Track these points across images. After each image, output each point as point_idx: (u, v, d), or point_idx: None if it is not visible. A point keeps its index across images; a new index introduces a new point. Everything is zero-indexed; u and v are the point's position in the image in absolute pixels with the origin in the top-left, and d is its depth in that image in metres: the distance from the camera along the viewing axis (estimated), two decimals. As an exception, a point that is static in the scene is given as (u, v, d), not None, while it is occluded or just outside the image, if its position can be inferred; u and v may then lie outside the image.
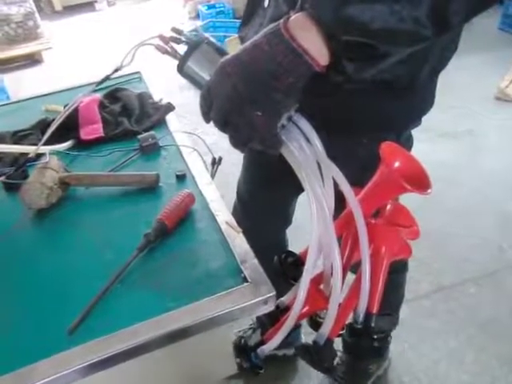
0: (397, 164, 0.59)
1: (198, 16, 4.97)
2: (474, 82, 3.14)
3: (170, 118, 1.16)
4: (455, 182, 2.24)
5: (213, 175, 1.02)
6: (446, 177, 2.26)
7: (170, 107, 1.17)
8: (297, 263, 0.68)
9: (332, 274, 0.59)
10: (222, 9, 4.64)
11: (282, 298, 0.70)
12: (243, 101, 0.53)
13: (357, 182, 0.63)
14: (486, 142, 2.58)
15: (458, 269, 1.83)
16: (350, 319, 0.65)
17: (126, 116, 1.16)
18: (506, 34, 3.83)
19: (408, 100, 0.84)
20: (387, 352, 1.48)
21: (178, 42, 0.63)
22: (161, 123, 1.13)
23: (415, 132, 0.95)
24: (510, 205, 2.12)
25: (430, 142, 2.54)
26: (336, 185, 0.60)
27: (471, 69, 3.23)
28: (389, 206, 0.67)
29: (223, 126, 0.57)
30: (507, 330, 1.59)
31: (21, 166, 0.96)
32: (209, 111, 0.58)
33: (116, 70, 0.74)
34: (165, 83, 3.47)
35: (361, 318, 0.61)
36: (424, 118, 0.92)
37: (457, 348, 1.56)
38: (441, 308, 1.69)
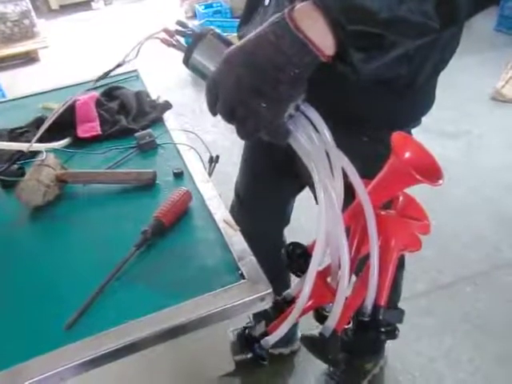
0: (407, 154, 0.58)
1: (194, 15, 4.97)
2: (470, 83, 3.15)
3: (168, 116, 1.16)
4: (452, 182, 2.25)
5: (210, 173, 1.02)
6: (443, 176, 2.26)
7: (167, 105, 1.17)
8: (304, 255, 0.68)
9: (340, 266, 0.59)
10: (219, 8, 4.64)
11: (288, 290, 0.70)
12: (248, 92, 0.53)
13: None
14: (482, 142, 2.59)
15: (455, 267, 1.84)
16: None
17: (124, 114, 1.16)
18: (502, 34, 3.85)
19: (409, 99, 0.84)
20: (383, 350, 1.48)
21: (183, 34, 0.63)
22: (158, 121, 1.13)
23: (413, 132, 0.95)
24: (506, 204, 2.13)
25: (426, 141, 2.52)
26: (344, 176, 0.59)
27: (468, 69, 3.24)
28: (401, 198, 0.66)
29: (230, 117, 0.56)
30: (503, 329, 1.60)
31: (13, 162, 0.95)
32: (215, 103, 0.57)
33: (118, 66, 0.73)
34: (164, 80, 3.48)
35: (368, 310, 0.61)
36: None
37: (453, 346, 1.56)
38: (437, 306, 1.70)
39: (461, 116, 2.82)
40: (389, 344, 1.46)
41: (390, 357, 1.53)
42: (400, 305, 1.36)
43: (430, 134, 2.60)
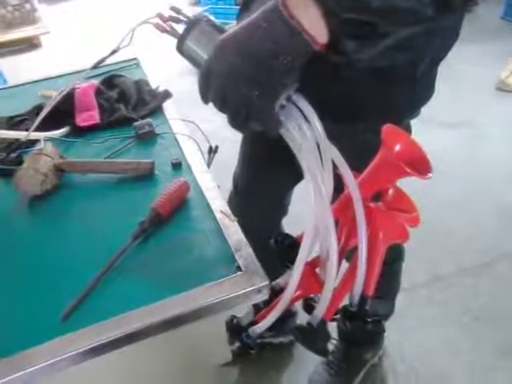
0: (397, 147, 0.59)
1: (198, 2, 4.92)
2: (474, 72, 3.11)
3: (167, 105, 1.15)
4: (454, 172, 2.23)
5: (209, 164, 1.01)
6: (445, 167, 2.25)
7: (167, 94, 1.16)
8: (293, 246, 0.68)
9: (328, 256, 0.59)
10: (222, -5, 4.58)
11: (277, 280, 0.70)
12: (240, 80, 0.52)
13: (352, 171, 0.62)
14: (486, 133, 2.56)
15: (455, 258, 1.83)
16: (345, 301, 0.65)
17: (123, 103, 1.15)
18: (508, 23, 3.79)
19: (408, 89, 0.83)
20: (382, 340, 1.49)
21: (177, 21, 0.62)
22: (158, 110, 1.13)
23: (414, 122, 0.94)
24: (508, 195, 2.12)
25: (429, 131, 2.51)
26: (334, 168, 0.59)
27: (472, 59, 3.20)
28: (390, 191, 0.66)
29: (222, 106, 0.56)
30: (503, 320, 1.60)
31: (12, 150, 0.95)
32: (207, 91, 0.57)
33: (114, 52, 0.72)
34: (164, 70, 3.45)
35: (356, 300, 0.61)
36: (423, 108, 0.91)
37: (453, 337, 1.56)
38: (437, 297, 1.70)
39: (464, 106, 2.79)
40: (388, 334, 1.46)
41: (389, 347, 1.53)
42: (400, 296, 1.36)
43: (431, 124, 2.57)
